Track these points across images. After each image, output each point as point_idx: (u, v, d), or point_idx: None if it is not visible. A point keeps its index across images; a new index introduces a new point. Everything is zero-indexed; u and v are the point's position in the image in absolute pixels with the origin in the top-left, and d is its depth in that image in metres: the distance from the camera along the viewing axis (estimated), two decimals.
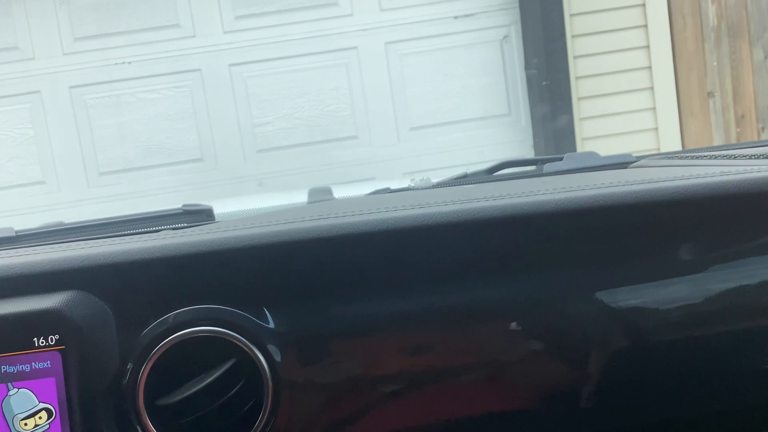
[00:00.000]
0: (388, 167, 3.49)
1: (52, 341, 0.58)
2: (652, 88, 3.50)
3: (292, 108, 3.48)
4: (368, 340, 0.62)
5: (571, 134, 3.45)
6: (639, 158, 1.10)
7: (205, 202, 1.16)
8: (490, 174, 1.12)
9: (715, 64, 3.51)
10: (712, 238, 0.66)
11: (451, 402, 0.62)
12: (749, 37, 3.51)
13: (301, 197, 1.31)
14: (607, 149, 3.08)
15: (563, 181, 0.79)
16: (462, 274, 0.63)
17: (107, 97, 3.42)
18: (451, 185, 1.09)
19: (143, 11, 3.39)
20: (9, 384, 0.57)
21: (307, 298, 0.62)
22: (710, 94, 3.52)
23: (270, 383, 0.60)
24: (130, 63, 3.41)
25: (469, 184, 1.07)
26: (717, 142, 3.53)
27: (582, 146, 3.48)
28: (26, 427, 0.57)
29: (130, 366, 0.60)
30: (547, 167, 1.09)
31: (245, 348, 0.60)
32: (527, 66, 3.50)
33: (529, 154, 3.52)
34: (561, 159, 1.10)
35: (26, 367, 0.57)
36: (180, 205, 1.02)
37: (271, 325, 0.62)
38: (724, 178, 0.68)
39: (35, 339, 0.58)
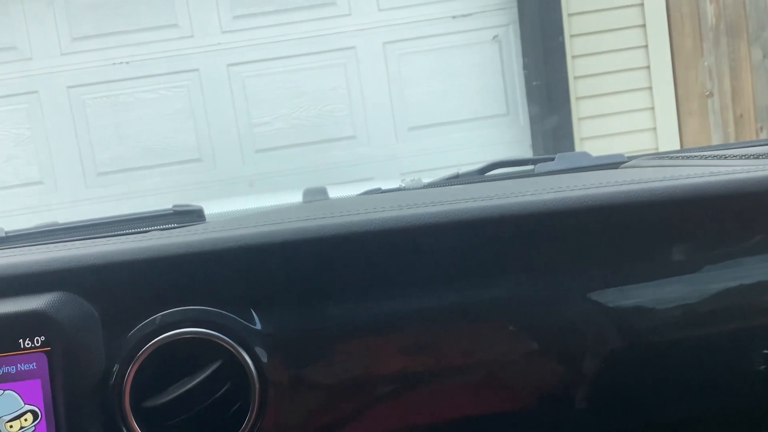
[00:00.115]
0: (386, 167, 3.49)
1: (37, 343, 0.58)
2: (650, 88, 3.50)
3: (290, 108, 3.48)
4: (355, 342, 0.62)
5: (569, 134, 3.45)
6: (630, 158, 1.10)
7: (202, 202, 1.17)
8: (481, 174, 1.12)
9: (713, 63, 3.51)
10: (702, 238, 0.66)
11: (438, 404, 0.62)
12: (748, 37, 3.50)
13: (296, 197, 1.31)
14: (605, 149, 3.08)
15: (553, 182, 0.79)
16: (449, 274, 0.63)
17: (105, 98, 3.42)
18: (442, 186, 1.08)
19: (141, 11, 3.39)
20: None
21: (293, 299, 0.62)
22: (709, 94, 3.52)
23: (257, 385, 0.60)
24: (128, 63, 3.41)
25: (460, 184, 1.07)
26: (715, 142, 3.52)
27: (580, 146, 3.47)
28: (11, 429, 0.57)
29: (116, 367, 0.60)
30: (539, 168, 1.09)
31: (232, 349, 0.60)
32: (525, 66, 3.50)
33: (528, 154, 3.52)
34: (553, 159, 1.10)
35: (11, 369, 0.57)
36: (171, 206, 1.02)
37: (258, 326, 0.62)
38: (713, 178, 0.68)
39: (21, 340, 0.57)
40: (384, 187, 1.15)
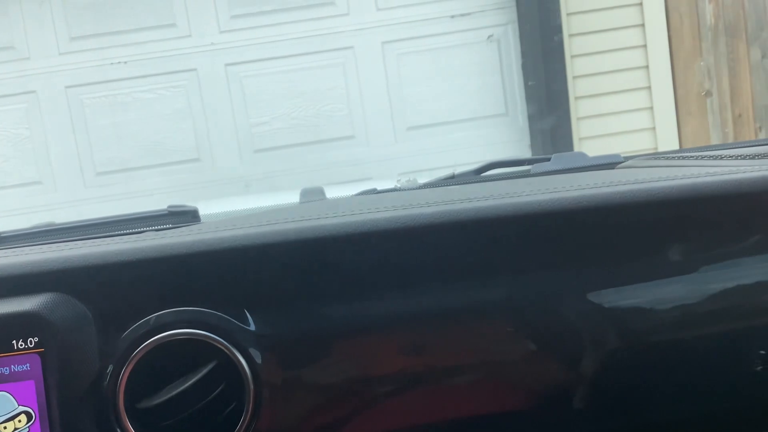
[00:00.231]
0: (385, 167, 3.49)
1: (31, 344, 0.57)
2: (649, 88, 3.50)
3: (288, 108, 3.48)
4: (350, 343, 0.62)
5: (568, 134, 3.45)
6: (627, 159, 1.09)
7: (198, 202, 1.16)
8: (477, 174, 1.12)
9: (712, 63, 3.51)
10: (698, 239, 0.66)
11: (433, 406, 0.62)
12: (746, 37, 3.50)
13: (294, 198, 1.31)
14: (604, 149, 3.08)
15: (549, 182, 0.79)
16: (444, 275, 0.63)
17: (103, 97, 3.42)
18: (438, 186, 1.08)
19: (139, 11, 3.39)
20: None
21: (287, 300, 0.62)
22: (707, 94, 3.52)
23: (251, 386, 0.60)
24: (126, 63, 3.41)
25: (455, 184, 1.07)
26: (714, 142, 3.52)
27: (579, 146, 3.48)
28: (5, 431, 0.57)
29: (110, 368, 0.59)
30: (535, 168, 1.09)
31: (226, 350, 0.60)
32: (524, 65, 3.50)
33: (527, 153, 3.52)
34: (549, 160, 1.09)
35: (5, 370, 0.57)
36: (165, 206, 1.02)
37: (252, 327, 0.61)
38: (710, 178, 0.68)
39: (14, 342, 0.57)
40: (379, 187, 1.14)
